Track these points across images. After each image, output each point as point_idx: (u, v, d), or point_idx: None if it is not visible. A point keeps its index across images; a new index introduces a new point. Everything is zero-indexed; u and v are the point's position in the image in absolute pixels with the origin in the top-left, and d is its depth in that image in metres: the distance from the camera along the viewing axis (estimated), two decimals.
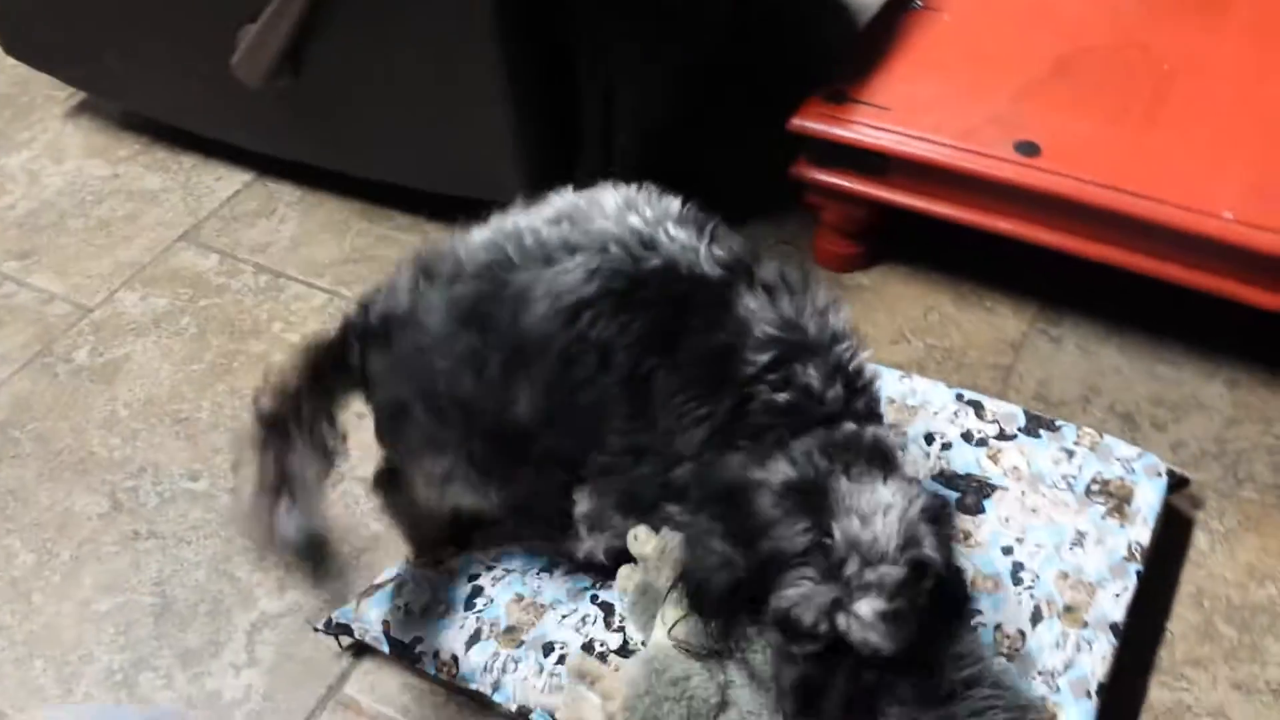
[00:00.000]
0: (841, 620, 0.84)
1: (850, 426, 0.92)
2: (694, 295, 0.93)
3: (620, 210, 0.96)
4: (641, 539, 1.01)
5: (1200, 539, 1.20)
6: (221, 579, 1.19)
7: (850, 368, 0.95)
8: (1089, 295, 1.45)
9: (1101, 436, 1.20)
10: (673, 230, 0.95)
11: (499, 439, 0.98)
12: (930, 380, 1.29)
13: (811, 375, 0.92)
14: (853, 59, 1.44)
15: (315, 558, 0.93)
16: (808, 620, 0.84)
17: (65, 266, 1.55)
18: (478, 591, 1.10)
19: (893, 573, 0.84)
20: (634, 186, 1.00)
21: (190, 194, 1.66)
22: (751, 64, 1.80)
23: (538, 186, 1.42)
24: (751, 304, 0.93)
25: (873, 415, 0.96)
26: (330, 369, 1.00)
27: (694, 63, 1.54)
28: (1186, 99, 1.35)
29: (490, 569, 1.13)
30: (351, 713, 1.08)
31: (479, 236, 0.99)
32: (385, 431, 1.05)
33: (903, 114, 1.34)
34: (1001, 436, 1.21)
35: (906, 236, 1.50)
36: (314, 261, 1.54)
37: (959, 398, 1.26)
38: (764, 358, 0.91)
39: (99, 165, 1.71)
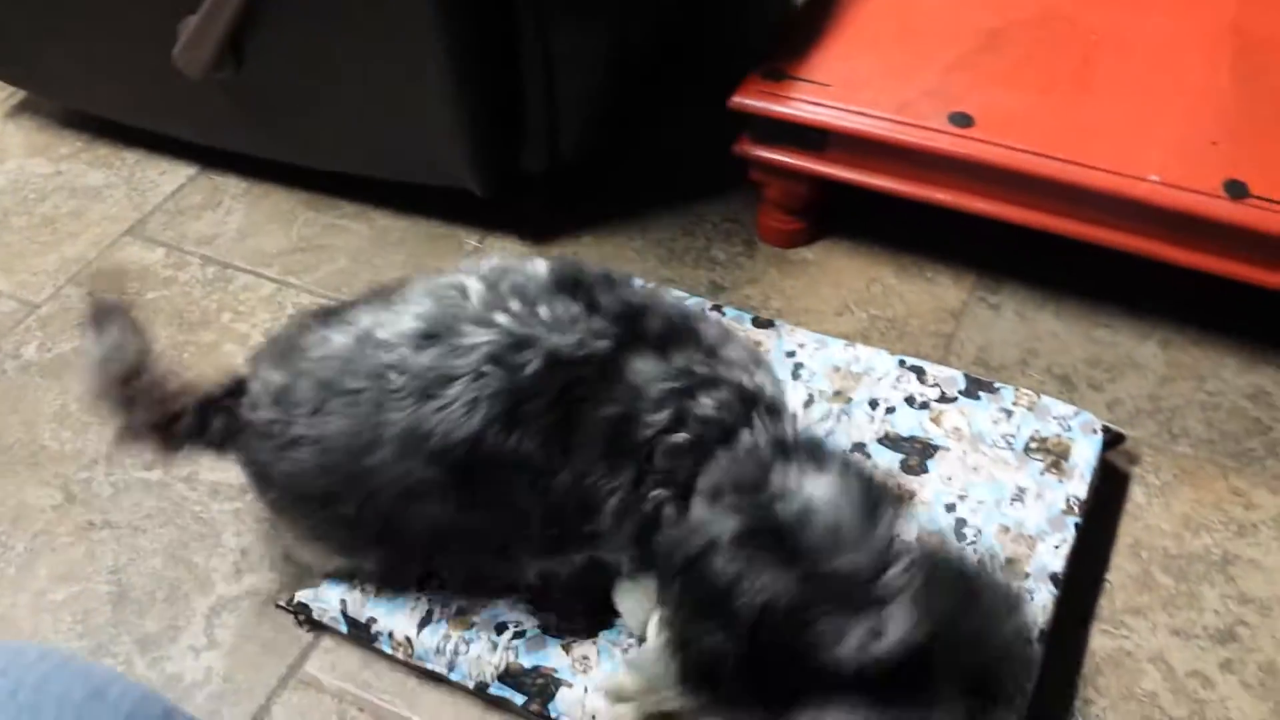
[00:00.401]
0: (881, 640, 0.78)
1: (746, 435, 0.88)
2: (581, 378, 0.88)
3: (486, 309, 0.89)
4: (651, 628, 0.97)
5: (1137, 493, 1.24)
6: (178, 565, 1.19)
7: (749, 385, 0.92)
8: (1026, 263, 1.49)
9: (1039, 397, 1.23)
10: (546, 313, 0.88)
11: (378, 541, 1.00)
12: (874, 349, 1.32)
13: (706, 404, 0.89)
14: (790, 37, 1.47)
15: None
16: (849, 659, 0.78)
17: (10, 264, 1.54)
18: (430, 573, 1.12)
19: (897, 568, 0.80)
20: (492, 262, 0.95)
21: (134, 189, 1.65)
22: (694, 44, 1.82)
23: (484, 170, 1.44)
24: (641, 366, 0.89)
25: (775, 412, 0.93)
26: (195, 421, 1.00)
27: (637, 43, 1.56)
28: (1112, 69, 1.39)
29: None
30: (313, 690, 1.09)
31: (336, 348, 0.92)
32: (274, 516, 1.08)
33: (840, 90, 1.37)
34: (943, 400, 1.24)
35: (849, 211, 1.53)
36: (261, 252, 1.54)
37: (901, 364, 1.30)
38: (662, 416, 0.88)
39: (41, 163, 1.70)
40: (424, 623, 1.07)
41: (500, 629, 1.06)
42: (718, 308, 1.39)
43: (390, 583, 1.09)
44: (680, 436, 0.88)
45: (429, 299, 0.91)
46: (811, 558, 0.81)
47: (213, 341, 1.42)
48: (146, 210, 1.62)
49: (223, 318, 1.46)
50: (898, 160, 1.35)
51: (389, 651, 1.09)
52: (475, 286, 0.90)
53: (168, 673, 1.11)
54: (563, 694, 1.02)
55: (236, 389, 1.00)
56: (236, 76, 1.44)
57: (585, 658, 1.04)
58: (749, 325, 1.35)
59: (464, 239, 1.56)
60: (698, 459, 0.89)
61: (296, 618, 1.13)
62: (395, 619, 1.08)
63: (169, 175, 1.67)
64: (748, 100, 1.39)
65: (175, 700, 1.06)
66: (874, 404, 1.24)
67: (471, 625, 1.07)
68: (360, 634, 1.09)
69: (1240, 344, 1.39)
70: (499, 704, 1.05)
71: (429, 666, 1.07)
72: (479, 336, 0.87)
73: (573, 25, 1.33)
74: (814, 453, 0.88)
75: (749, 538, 0.82)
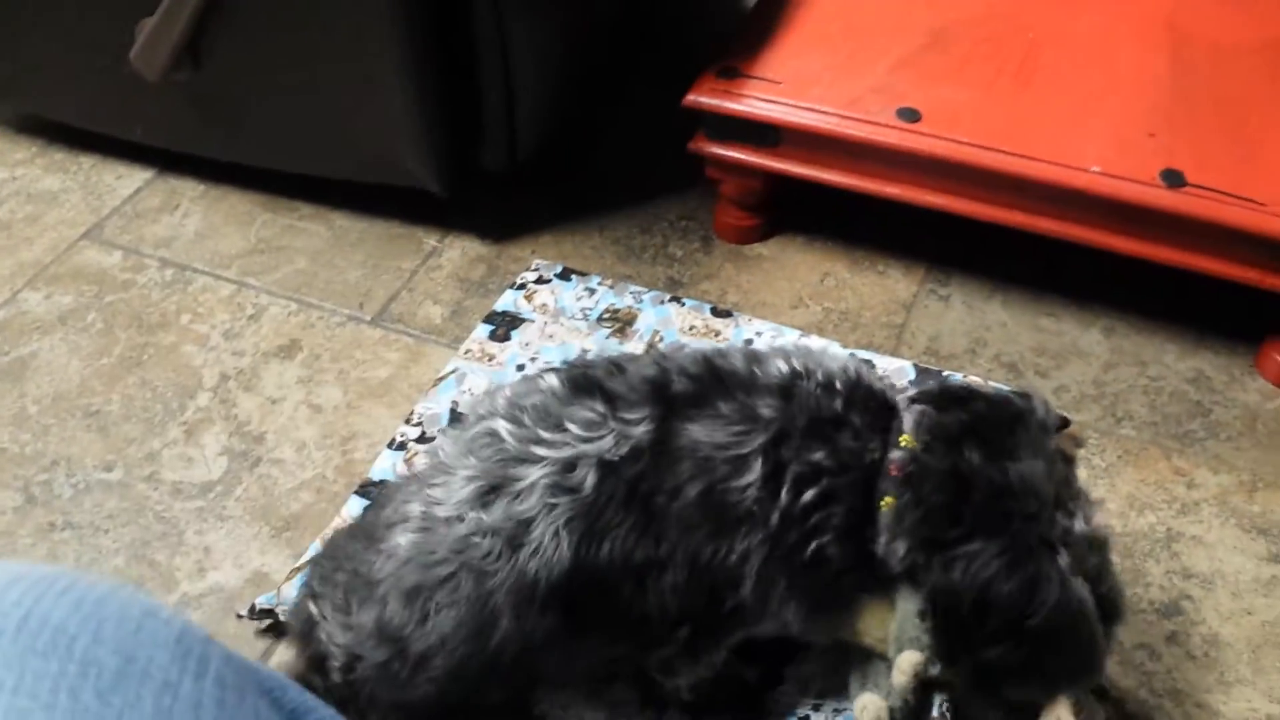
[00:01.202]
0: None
1: (917, 408, 0.91)
2: (640, 473, 0.86)
3: (523, 444, 0.86)
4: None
5: (1083, 475, 1.27)
6: (141, 564, 1.19)
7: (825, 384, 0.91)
8: (974, 256, 1.53)
9: (986, 384, 1.27)
10: (575, 427, 0.86)
11: None
12: (826, 339, 1.35)
13: (810, 453, 0.87)
14: (744, 36, 1.50)
15: None
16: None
17: None
18: None
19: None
20: (504, 392, 0.93)
21: (91, 193, 1.65)
22: (649, 42, 1.85)
23: (442, 169, 1.46)
24: (695, 432, 0.87)
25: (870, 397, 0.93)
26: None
27: (593, 41, 1.58)
28: (1052, 64, 1.43)
29: None
30: None
31: (406, 548, 0.88)
32: None
33: (791, 87, 1.40)
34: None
35: (803, 208, 1.56)
36: (220, 254, 1.55)
37: (852, 356, 1.32)
38: (755, 472, 0.86)
39: None
40: None
41: None
42: (676, 299, 1.41)
43: None
44: (810, 494, 0.86)
45: (469, 458, 0.89)
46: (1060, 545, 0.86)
47: (172, 343, 1.42)
48: (103, 214, 1.61)
49: (182, 319, 1.46)
50: (848, 155, 1.39)
51: None
52: (504, 426, 0.88)
53: None
54: None
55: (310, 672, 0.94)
56: (194, 78, 1.44)
57: None
58: (708, 314, 1.38)
59: (423, 239, 1.57)
60: (842, 495, 0.87)
61: (259, 622, 1.13)
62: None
63: (126, 179, 1.67)
64: (702, 98, 1.41)
65: None
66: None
67: None
68: None
69: (1181, 330, 1.44)
70: None
71: None
72: (532, 475, 0.85)
73: (529, 24, 1.35)
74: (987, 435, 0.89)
75: (1024, 558, 0.85)
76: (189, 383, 1.38)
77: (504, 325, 1.37)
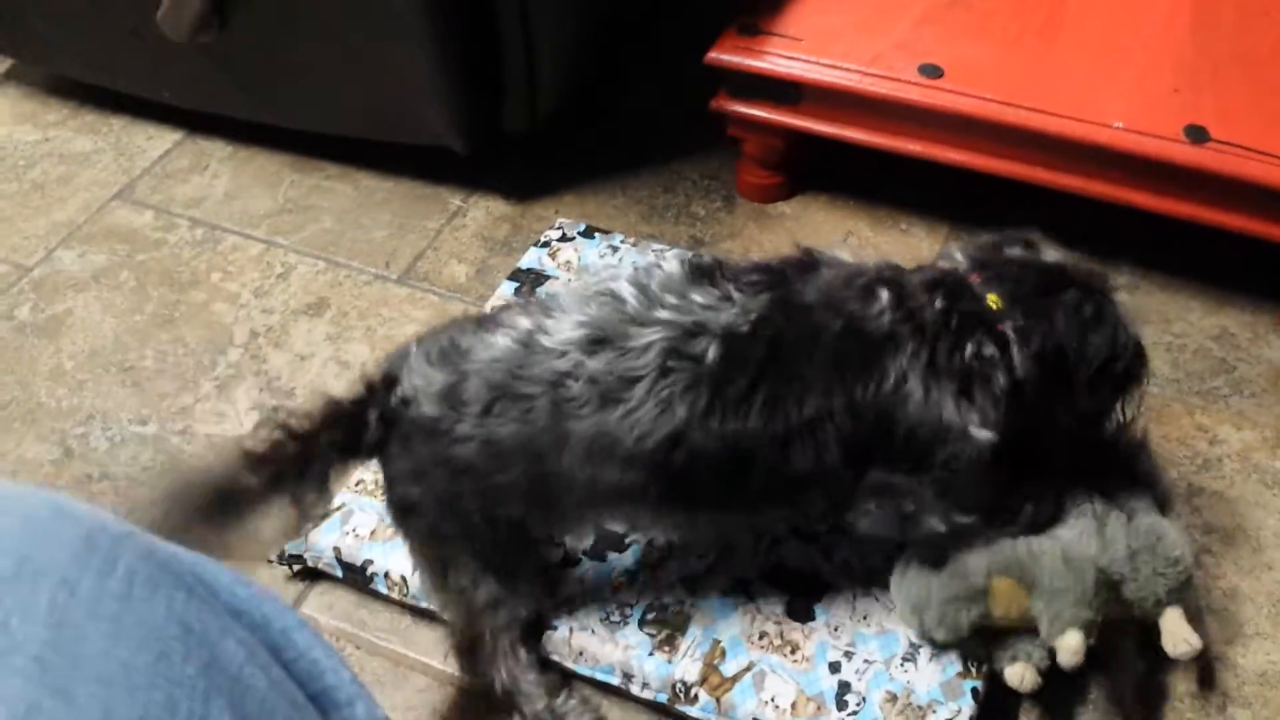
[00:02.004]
0: None
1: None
2: (773, 336, 0.88)
3: (646, 309, 0.88)
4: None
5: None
6: None
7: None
8: (997, 213, 1.51)
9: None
10: (700, 301, 0.88)
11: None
12: None
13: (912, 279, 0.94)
14: None
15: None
16: None
17: (1, 229, 1.56)
18: None
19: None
20: (626, 267, 0.95)
21: (122, 154, 1.67)
22: (671, 2, 1.85)
23: (465, 128, 1.47)
24: (817, 283, 0.92)
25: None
26: (339, 436, 0.92)
27: (614, 1, 1.58)
28: (1076, 19, 1.42)
29: None
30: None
31: (500, 350, 0.89)
32: (397, 523, 1.02)
33: (813, 44, 1.40)
34: None
35: (825, 166, 1.57)
36: (249, 214, 1.57)
37: None
38: (882, 300, 0.90)
39: (28, 130, 1.72)
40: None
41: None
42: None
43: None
44: (938, 302, 0.90)
45: (588, 306, 0.90)
46: None
47: (203, 301, 1.45)
48: (134, 174, 1.64)
49: (212, 278, 1.48)
50: (870, 112, 1.39)
51: (384, 591, 1.12)
52: (628, 289, 0.89)
53: None
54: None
55: (373, 396, 0.94)
56: (220, 40, 1.46)
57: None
58: None
59: (448, 199, 1.59)
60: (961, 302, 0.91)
61: (290, 568, 1.16)
62: (391, 560, 1.11)
63: (156, 140, 1.69)
64: (723, 55, 1.41)
65: None
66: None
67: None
68: (356, 576, 1.13)
69: (1204, 288, 1.44)
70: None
71: (424, 605, 1.10)
72: (649, 336, 0.86)
73: None
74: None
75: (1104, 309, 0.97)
76: (220, 339, 1.40)
77: (529, 283, 1.38)
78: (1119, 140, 1.28)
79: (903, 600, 1.02)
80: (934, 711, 1.00)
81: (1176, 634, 0.97)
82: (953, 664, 1.03)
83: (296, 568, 1.16)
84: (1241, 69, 1.35)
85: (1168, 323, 1.40)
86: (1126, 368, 0.98)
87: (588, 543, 1.11)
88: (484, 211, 1.56)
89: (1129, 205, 1.33)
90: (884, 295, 0.89)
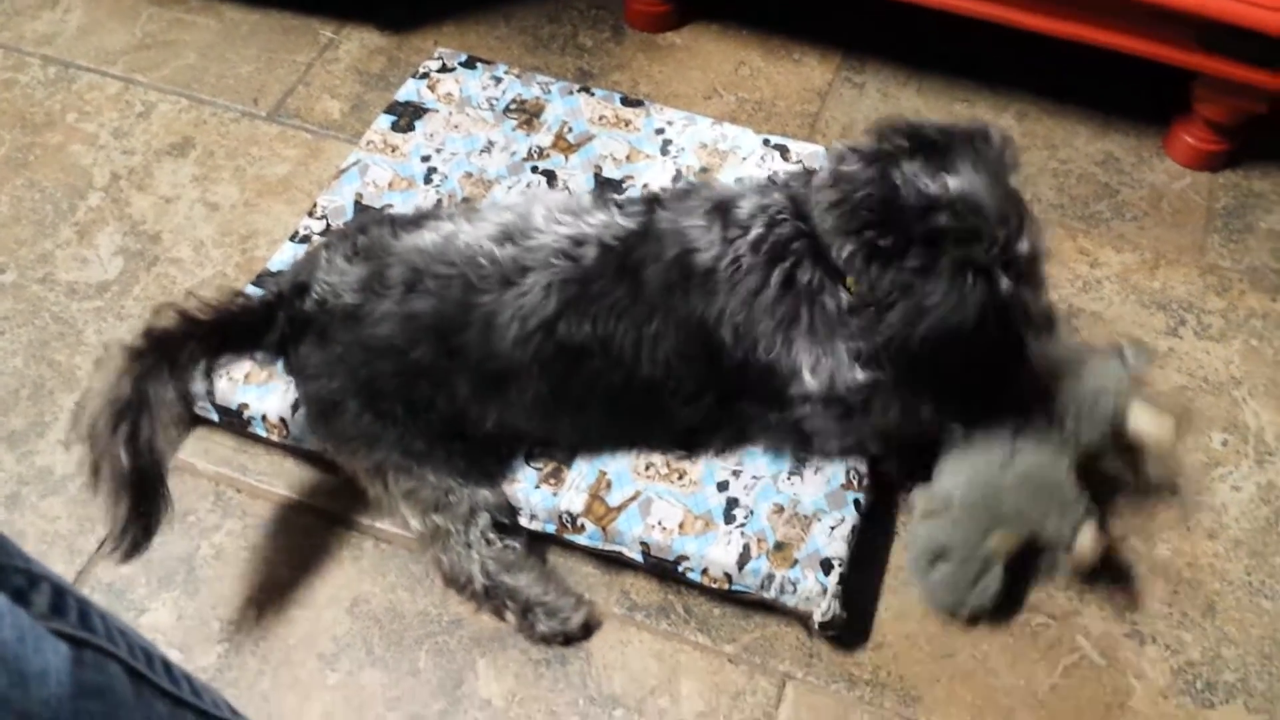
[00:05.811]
0: None
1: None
2: (630, 251, 1.01)
3: (548, 220, 1.04)
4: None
5: None
6: (40, 364, 1.17)
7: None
8: (890, 44, 1.49)
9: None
10: (590, 220, 1.03)
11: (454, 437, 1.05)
12: (740, 127, 1.32)
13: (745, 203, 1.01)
14: None
15: (138, 495, 0.90)
16: None
17: None
18: None
19: None
20: (546, 200, 1.08)
21: None
22: None
23: None
24: (668, 218, 1.02)
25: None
26: (238, 331, 1.00)
27: None
28: None
29: None
30: (188, 475, 1.09)
31: (425, 242, 1.03)
32: (314, 422, 1.06)
33: None
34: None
35: None
36: (105, 50, 1.47)
37: (766, 143, 1.31)
38: (714, 225, 1.00)
39: None
40: (297, 405, 1.07)
41: None
42: (586, 89, 1.37)
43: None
44: (757, 228, 0.98)
45: (503, 213, 1.06)
46: None
47: (59, 143, 1.36)
48: None
49: (68, 118, 1.39)
50: None
51: (263, 434, 1.09)
52: (538, 210, 1.05)
53: (37, 466, 1.10)
54: None
55: (282, 300, 1.03)
56: None
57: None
58: (618, 104, 1.35)
59: (319, 31, 1.50)
60: (785, 222, 0.98)
61: None
62: (268, 403, 1.08)
63: None
64: None
65: (46, 493, 1.07)
66: (739, 181, 1.25)
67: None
68: (232, 420, 1.10)
69: (1092, 113, 1.44)
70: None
71: (305, 446, 1.08)
72: (546, 239, 1.02)
73: None
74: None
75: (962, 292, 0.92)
76: (79, 183, 1.32)
77: (407, 115, 1.32)
78: None
79: (939, 608, 1.04)
80: (819, 520, 1.02)
81: (1150, 418, 1.01)
82: (837, 476, 1.05)
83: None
84: None
85: (1054, 149, 1.40)
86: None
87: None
88: (357, 43, 1.48)
89: (1022, 28, 1.31)
90: (715, 227, 1.00)
